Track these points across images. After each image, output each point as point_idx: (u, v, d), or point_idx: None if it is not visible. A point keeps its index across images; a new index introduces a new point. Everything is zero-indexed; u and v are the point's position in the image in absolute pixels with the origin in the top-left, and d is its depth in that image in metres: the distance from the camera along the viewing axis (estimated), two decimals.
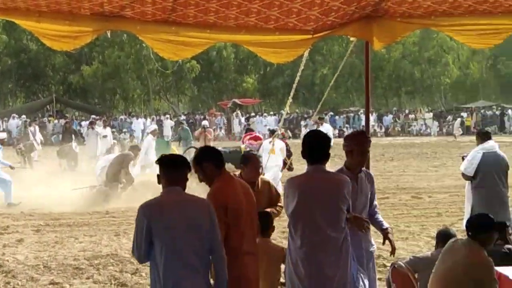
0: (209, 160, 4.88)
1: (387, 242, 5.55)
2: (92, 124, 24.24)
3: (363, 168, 5.46)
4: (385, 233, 5.52)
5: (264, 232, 5.50)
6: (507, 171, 9.00)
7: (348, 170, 5.34)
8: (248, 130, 18.99)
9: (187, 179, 4.39)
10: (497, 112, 48.40)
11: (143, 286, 8.10)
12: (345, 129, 46.52)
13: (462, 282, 4.91)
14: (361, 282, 5.07)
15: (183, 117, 45.04)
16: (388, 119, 48.52)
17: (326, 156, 5.00)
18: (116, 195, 14.86)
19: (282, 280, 5.27)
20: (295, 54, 6.25)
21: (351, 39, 6.69)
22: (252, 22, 5.80)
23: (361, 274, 5.14)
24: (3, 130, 33.26)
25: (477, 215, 5.56)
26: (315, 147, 5.00)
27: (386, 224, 5.65)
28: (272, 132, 17.24)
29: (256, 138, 18.49)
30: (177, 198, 4.30)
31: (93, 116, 36.46)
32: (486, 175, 8.91)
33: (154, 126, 22.51)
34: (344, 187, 4.91)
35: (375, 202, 5.68)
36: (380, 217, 5.70)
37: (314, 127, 43.24)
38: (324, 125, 23.09)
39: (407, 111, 52.57)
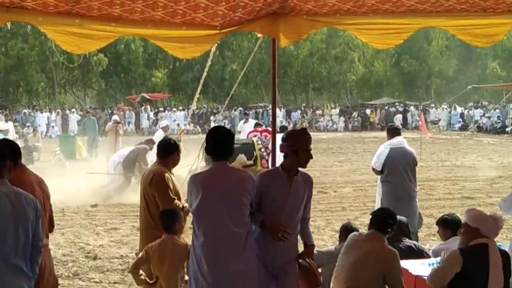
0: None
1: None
2: None
3: (302, 170, 5.24)
4: (308, 251, 5.34)
5: (168, 229, 5.45)
6: (415, 166, 9.15)
7: (284, 171, 5.17)
8: (257, 124, 19.38)
9: (9, 171, 4.51)
10: (400, 109, 50.00)
11: None
12: None
13: (369, 275, 5.04)
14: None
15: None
16: (296, 115, 49.20)
17: (230, 152, 5.02)
18: (130, 188, 15.00)
19: (186, 277, 5.24)
20: (202, 49, 6.22)
21: (258, 35, 6.73)
22: (159, 16, 5.72)
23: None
24: None
25: (380, 209, 5.75)
26: (219, 143, 5.00)
27: (312, 240, 5.42)
28: (283, 129, 17.73)
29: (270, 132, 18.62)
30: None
31: None
32: (392, 169, 9.05)
33: (166, 122, 22.29)
34: (247, 183, 4.94)
35: (308, 209, 5.37)
36: (309, 228, 5.46)
37: (224, 122, 43.44)
38: (250, 121, 23.08)
39: (314, 107, 53.53)
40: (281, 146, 5.20)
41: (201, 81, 7.74)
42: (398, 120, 43.28)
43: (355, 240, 5.35)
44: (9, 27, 5.74)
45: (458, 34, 6.47)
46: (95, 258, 9.26)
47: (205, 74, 7.62)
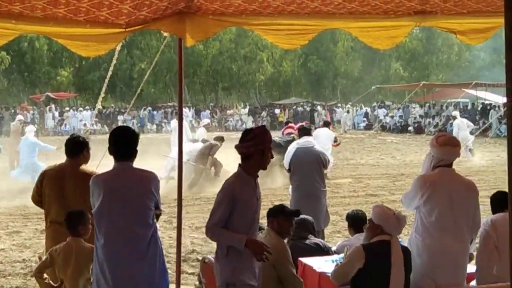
0: None
1: None
2: None
3: None
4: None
5: (73, 231, 5.32)
6: (322, 166, 9.20)
7: (248, 174, 4.90)
8: (288, 122, 21.18)
9: None
10: (308, 108, 50.88)
11: None
12: (163, 124, 46.58)
13: (264, 268, 5.10)
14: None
15: None
16: (205, 114, 49.17)
17: (133, 153, 4.95)
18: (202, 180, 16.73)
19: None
20: (106, 48, 6.10)
21: (164, 34, 6.67)
22: (61, 13, 5.55)
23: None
24: None
25: (277, 205, 5.81)
26: (122, 144, 4.92)
27: None
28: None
29: None
30: None
31: None
32: (298, 168, 9.16)
33: (208, 120, 24.14)
34: (151, 183, 4.90)
35: None
36: None
37: (133, 122, 42.78)
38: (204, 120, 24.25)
39: (224, 107, 53.67)
40: (243, 146, 4.90)
41: (106, 80, 7.58)
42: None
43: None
44: None
45: (360, 36, 6.63)
46: None
47: (110, 73, 7.47)
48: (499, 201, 5.56)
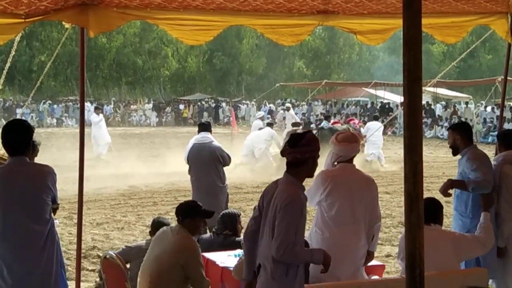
0: None
1: None
2: None
3: None
4: None
5: None
6: (218, 162, 9.21)
7: (301, 182, 4.51)
8: (327, 117, 23.79)
9: None
10: (213, 105, 50.90)
11: None
12: (63, 118, 45.38)
13: (171, 267, 5.08)
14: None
15: None
16: (108, 109, 48.27)
17: (26, 147, 4.83)
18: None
19: None
20: (5, 38, 5.90)
21: (66, 25, 6.50)
22: None
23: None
24: None
25: (185, 201, 5.78)
26: (15, 138, 4.78)
27: None
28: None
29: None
30: None
31: None
32: (193, 164, 9.26)
33: (262, 113, 26.88)
34: (47, 178, 4.80)
35: None
36: None
37: (32, 116, 41.39)
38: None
39: (127, 102, 52.86)
40: (299, 151, 4.41)
41: (5, 72, 7.30)
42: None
43: (162, 233, 5.37)
44: None
45: (265, 33, 6.74)
46: None
47: (8, 64, 7.19)
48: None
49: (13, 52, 6.91)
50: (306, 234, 5.92)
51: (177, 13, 6.20)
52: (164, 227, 5.45)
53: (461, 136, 6.12)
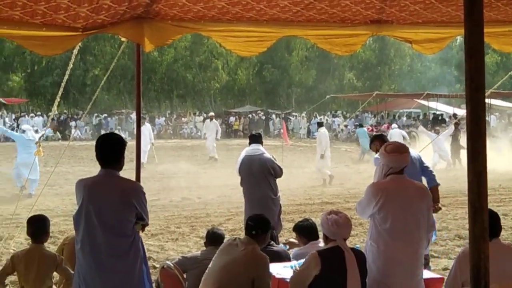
0: None
1: None
2: None
3: None
4: None
5: (36, 237, 5.22)
6: (270, 174, 9.18)
7: None
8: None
9: None
10: (263, 117, 51.01)
11: None
12: (117, 131, 46.10)
13: (240, 278, 5.06)
14: None
15: None
16: (160, 121, 48.88)
17: (119, 160, 4.88)
18: None
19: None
20: (64, 48, 6.01)
21: (122, 39, 6.61)
22: (17, 16, 5.48)
23: None
24: None
25: (255, 215, 5.75)
26: (107, 150, 4.85)
27: None
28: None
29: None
30: None
31: None
32: (245, 176, 9.25)
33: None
34: (131, 194, 4.82)
35: None
36: None
37: (86, 129, 42.21)
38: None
39: (178, 114, 53.41)
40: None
41: (63, 85, 7.44)
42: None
43: (229, 245, 5.36)
44: None
45: (319, 43, 6.71)
46: None
47: (66, 77, 7.32)
48: None
49: (71, 65, 7.03)
50: (362, 246, 5.87)
51: (231, 25, 6.23)
52: (233, 237, 5.44)
53: None
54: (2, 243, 9.71)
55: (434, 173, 8.07)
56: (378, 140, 7.92)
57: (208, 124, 28.85)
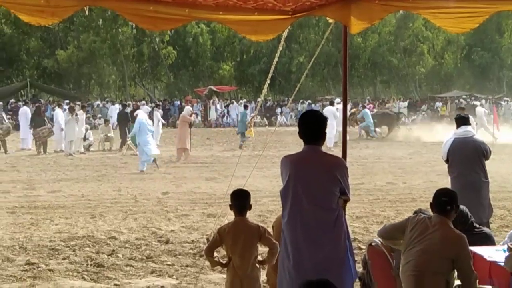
0: None
1: None
2: (72, 110, 24.06)
3: None
4: None
5: (240, 211, 5.51)
6: (482, 157, 8.81)
7: None
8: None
9: None
10: (471, 102, 48.80)
11: (119, 266, 8.09)
12: None
13: (440, 259, 4.92)
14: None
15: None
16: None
17: (322, 137, 5.01)
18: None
19: (259, 258, 5.30)
20: (274, 33, 6.25)
21: (330, 21, 6.68)
22: (232, 2, 5.78)
23: None
24: None
25: (445, 189, 5.53)
26: (312, 127, 4.99)
27: None
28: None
29: None
30: None
31: (66, 101, 36.14)
32: (455, 159, 8.84)
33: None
34: (336, 169, 4.92)
35: None
36: None
37: (291, 115, 43.43)
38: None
39: (381, 100, 52.86)
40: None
41: (270, 73, 7.68)
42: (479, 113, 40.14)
43: (425, 226, 5.19)
44: (86, 12, 5.89)
45: None
46: (167, 242, 9.40)
47: (273, 66, 7.54)
48: None
49: (278, 53, 7.24)
50: None
51: (440, 1, 6.04)
52: (425, 216, 5.29)
53: None
54: (216, 220, 10.35)
55: None
56: None
57: None
